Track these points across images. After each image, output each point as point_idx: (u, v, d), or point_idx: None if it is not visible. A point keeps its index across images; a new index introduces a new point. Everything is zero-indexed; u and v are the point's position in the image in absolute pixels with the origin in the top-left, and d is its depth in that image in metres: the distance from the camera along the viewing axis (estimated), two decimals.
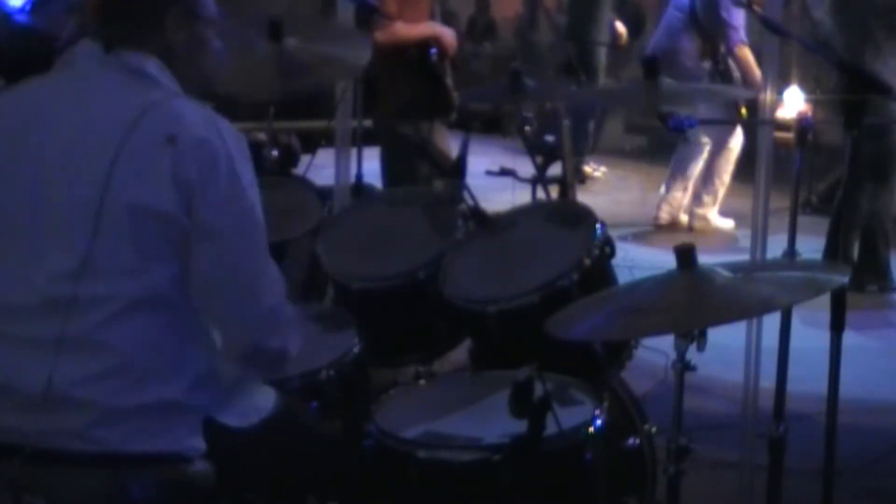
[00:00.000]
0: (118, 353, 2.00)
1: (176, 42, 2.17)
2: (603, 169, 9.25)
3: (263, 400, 2.29)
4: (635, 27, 13.15)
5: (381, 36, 4.50)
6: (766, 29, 3.36)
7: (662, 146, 8.84)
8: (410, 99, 4.63)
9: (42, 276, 2.01)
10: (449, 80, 4.67)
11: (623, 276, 2.85)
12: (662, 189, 7.58)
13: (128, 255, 2.01)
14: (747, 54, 6.81)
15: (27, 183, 2.06)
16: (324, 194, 3.65)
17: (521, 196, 4.00)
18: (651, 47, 7.40)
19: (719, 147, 7.31)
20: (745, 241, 3.65)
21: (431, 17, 4.89)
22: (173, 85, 2.16)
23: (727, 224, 7.46)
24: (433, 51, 4.61)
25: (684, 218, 7.52)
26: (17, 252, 2.06)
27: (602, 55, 8.91)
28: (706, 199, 7.46)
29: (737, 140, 7.27)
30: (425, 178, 4.49)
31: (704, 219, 7.46)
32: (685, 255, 2.19)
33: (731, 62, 6.98)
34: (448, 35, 4.76)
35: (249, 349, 2.17)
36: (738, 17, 6.86)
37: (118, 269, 2.01)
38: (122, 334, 2.01)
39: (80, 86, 2.13)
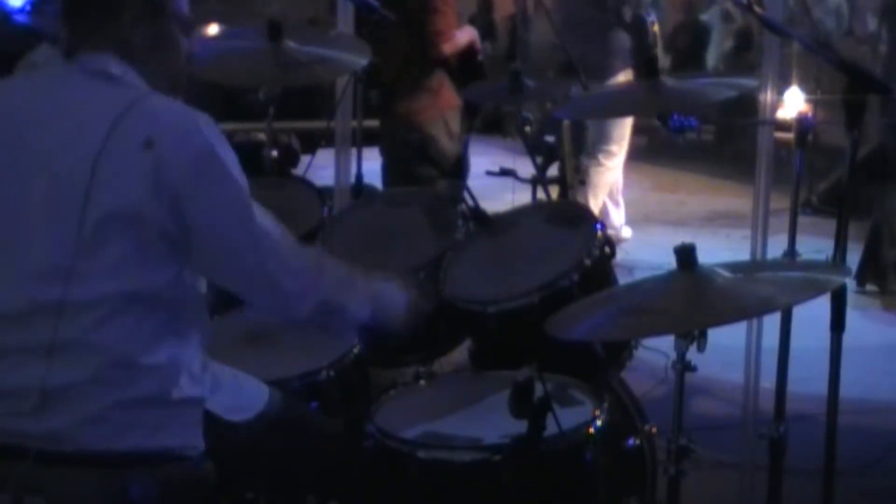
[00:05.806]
0: (110, 352, 1.98)
1: (134, 38, 2.10)
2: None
3: (256, 395, 2.30)
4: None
5: (449, 48, 4.67)
6: (766, 29, 3.36)
7: (662, 146, 8.84)
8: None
9: (27, 285, 1.98)
10: None
11: (623, 276, 2.85)
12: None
13: (115, 260, 1.99)
14: None
15: (7, 189, 2.03)
16: (324, 194, 3.65)
17: (521, 196, 4.01)
18: None
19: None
20: (746, 242, 3.65)
21: None
22: (139, 83, 2.10)
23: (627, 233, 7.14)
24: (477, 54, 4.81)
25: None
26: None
27: None
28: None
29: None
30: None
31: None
32: (685, 255, 2.18)
33: None
34: (478, 39, 4.94)
35: (298, 317, 2.21)
36: None
37: (105, 273, 1.98)
38: (114, 334, 1.99)
39: (51, 91, 2.10)
